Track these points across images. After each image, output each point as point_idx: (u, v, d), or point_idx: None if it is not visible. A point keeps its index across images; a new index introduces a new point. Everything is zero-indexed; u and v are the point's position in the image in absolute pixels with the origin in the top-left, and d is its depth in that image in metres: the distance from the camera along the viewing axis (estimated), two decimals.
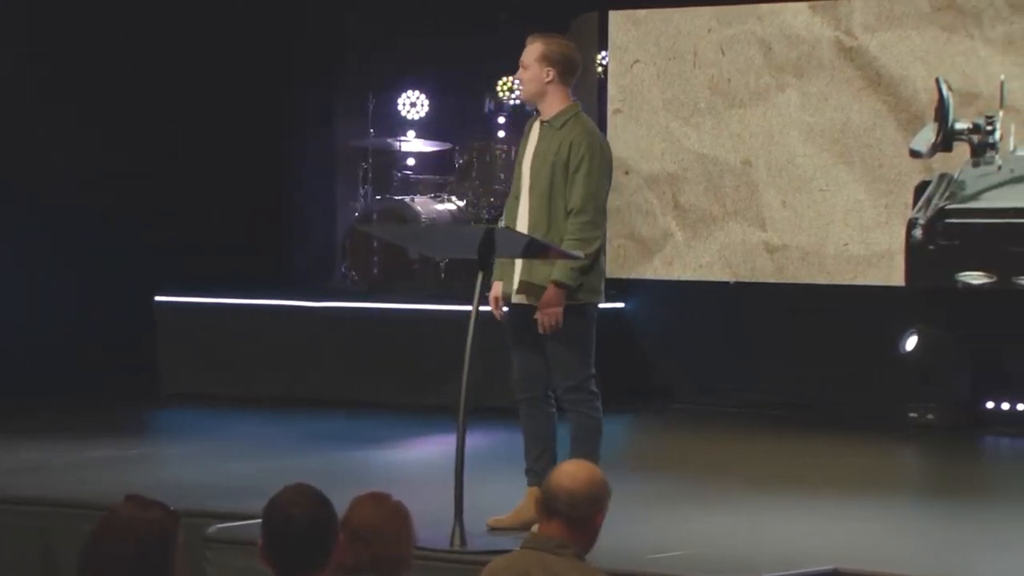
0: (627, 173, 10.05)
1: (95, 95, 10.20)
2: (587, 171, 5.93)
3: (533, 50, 6.07)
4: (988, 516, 6.71)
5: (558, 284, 5.86)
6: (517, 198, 6.08)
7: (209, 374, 9.98)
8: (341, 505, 3.48)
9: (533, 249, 5.86)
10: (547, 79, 6.02)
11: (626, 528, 5.91)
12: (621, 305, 9.90)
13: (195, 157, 10.63)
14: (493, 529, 5.91)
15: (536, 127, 6.11)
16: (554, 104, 6.04)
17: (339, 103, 11.52)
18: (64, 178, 10.08)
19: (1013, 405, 9.02)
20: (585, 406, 5.98)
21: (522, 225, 5.99)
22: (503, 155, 10.95)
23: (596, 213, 5.94)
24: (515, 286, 5.99)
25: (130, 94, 10.33)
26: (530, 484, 5.97)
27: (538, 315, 5.87)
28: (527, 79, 6.06)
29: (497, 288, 6.03)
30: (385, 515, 3.44)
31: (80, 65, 10.14)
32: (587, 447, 5.88)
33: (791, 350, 9.58)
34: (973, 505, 7.03)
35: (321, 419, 9.15)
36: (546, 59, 6.04)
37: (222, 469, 7.43)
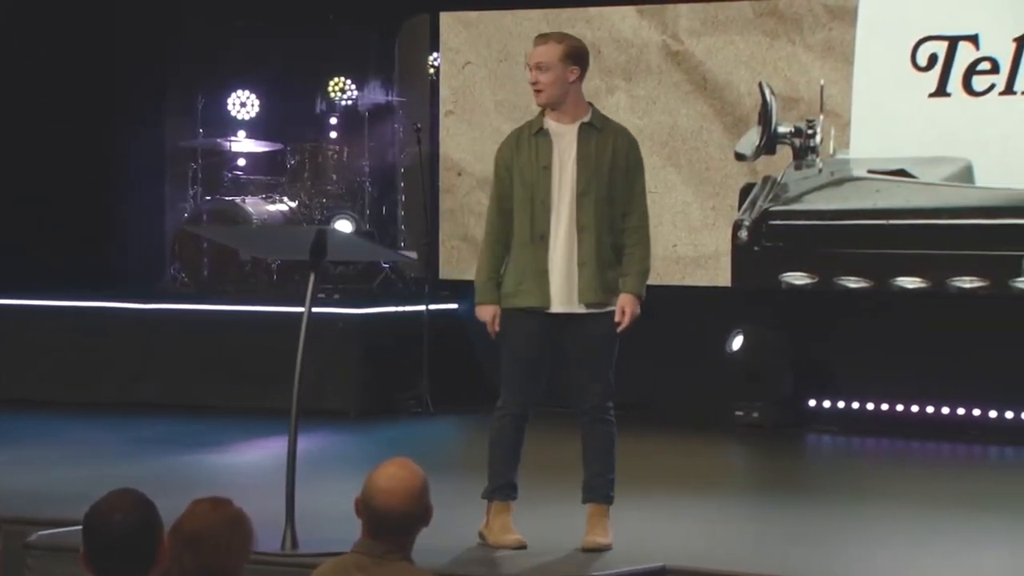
0: (460, 175, 10.09)
1: None
2: (641, 173, 5.79)
3: (553, 50, 5.67)
4: (810, 512, 6.87)
5: (639, 296, 5.84)
6: (526, 204, 5.68)
7: (35, 378, 9.78)
8: (173, 511, 3.43)
9: (369, 252, 5.85)
10: (572, 79, 5.68)
11: (454, 529, 5.95)
12: (455, 306, 9.91)
13: (18, 156, 10.41)
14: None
15: (564, 130, 5.68)
16: (579, 104, 5.70)
17: (168, 102, 11.38)
18: None
19: (834, 403, 9.26)
20: (612, 415, 6.04)
21: (570, 231, 5.67)
22: (335, 156, 10.92)
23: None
24: (555, 296, 5.79)
25: None
26: (506, 499, 5.89)
27: (624, 320, 5.85)
28: (550, 81, 5.64)
29: (494, 310, 5.87)
30: (221, 521, 3.35)
31: None
32: (611, 456, 5.99)
33: (620, 350, 9.67)
34: (796, 501, 7.19)
35: (152, 423, 9.03)
36: (570, 57, 5.67)
37: (47, 476, 7.28)
